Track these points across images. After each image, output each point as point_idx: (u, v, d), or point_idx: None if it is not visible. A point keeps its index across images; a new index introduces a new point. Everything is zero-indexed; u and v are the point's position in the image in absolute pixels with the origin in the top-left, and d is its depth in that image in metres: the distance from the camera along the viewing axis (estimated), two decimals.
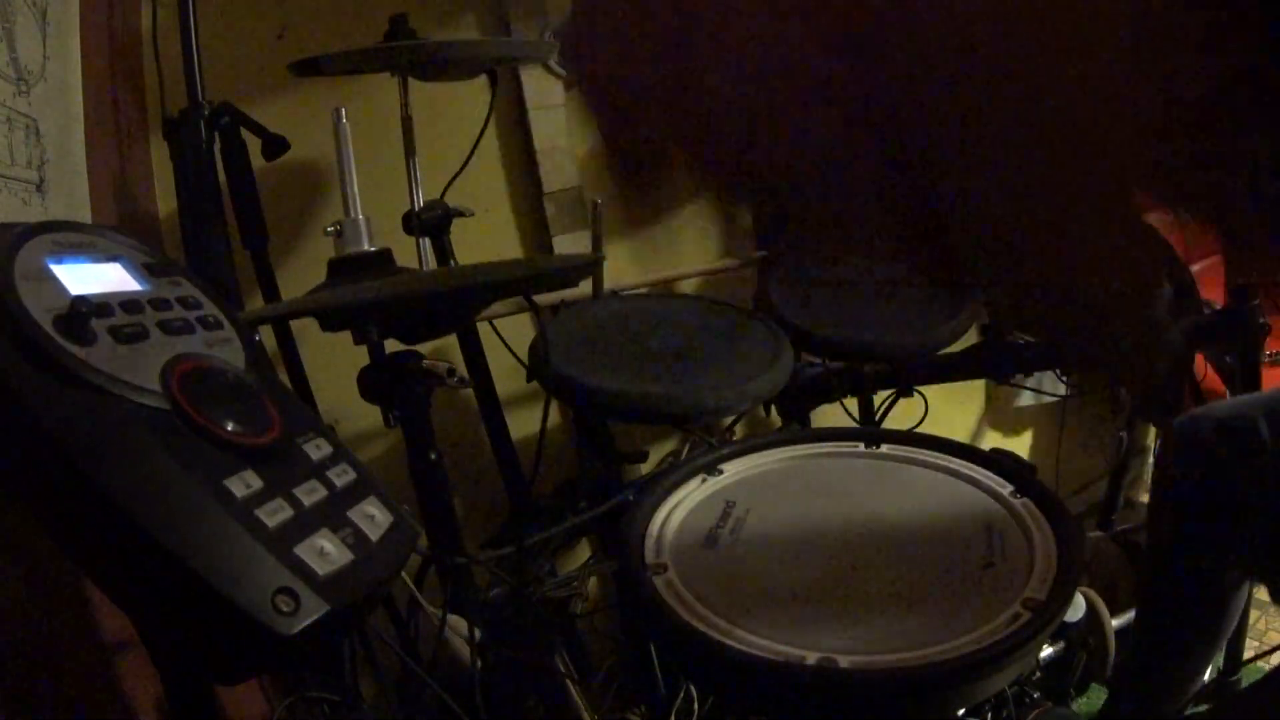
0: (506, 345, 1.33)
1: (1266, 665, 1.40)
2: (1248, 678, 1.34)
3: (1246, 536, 0.94)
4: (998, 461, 0.73)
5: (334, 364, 1.12)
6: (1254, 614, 1.38)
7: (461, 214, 1.23)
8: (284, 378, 1.20)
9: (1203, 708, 1.15)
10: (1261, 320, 1.27)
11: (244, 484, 0.42)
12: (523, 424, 1.42)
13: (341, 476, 0.48)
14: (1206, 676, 1.15)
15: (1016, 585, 0.58)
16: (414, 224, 1.18)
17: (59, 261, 0.46)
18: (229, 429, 0.44)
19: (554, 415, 1.32)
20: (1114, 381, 1.53)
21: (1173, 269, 1.36)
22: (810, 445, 0.82)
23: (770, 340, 1.08)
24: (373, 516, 0.47)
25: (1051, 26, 0.15)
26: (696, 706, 1.16)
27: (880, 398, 1.40)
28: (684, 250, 1.68)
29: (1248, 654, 1.34)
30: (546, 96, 1.51)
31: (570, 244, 1.53)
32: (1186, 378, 1.36)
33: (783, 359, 1.04)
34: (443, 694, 0.83)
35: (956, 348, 1.26)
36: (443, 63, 1.16)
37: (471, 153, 1.26)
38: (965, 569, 0.60)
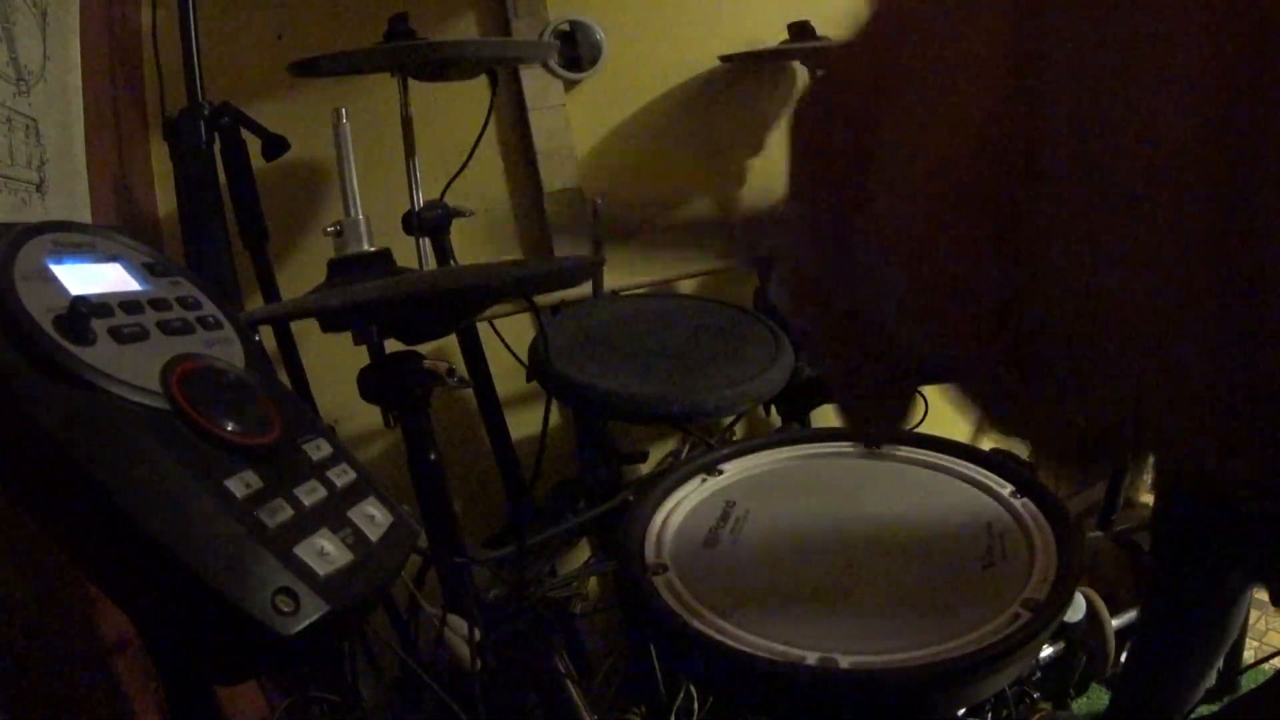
0: (506, 345, 1.33)
1: (1268, 667, 1.40)
2: (1249, 681, 1.34)
3: (1250, 541, 0.94)
4: (998, 461, 0.73)
5: (334, 364, 1.12)
6: (1254, 614, 1.38)
7: (461, 214, 1.23)
8: (284, 378, 1.20)
9: (1204, 710, 1.15)
10: None
11: (244, 484, 0.42)
12: (523, 424, 1.42)
13: (341, 476, 0.48)
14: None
15: (1016, 585, 0.57)
16: (414, 224, 1.18)
17: (59, 261, 0.46)
18: (229, 429, 0.44)
19: (554, 415, 1.32)
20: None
21: None
22: (810, 445, 0.82)
23: (770, 340, 1.08)
24: (373, 516, 0.47)
25: None
26: (696, 706, 1.16)
27: None
28: (684, 250, 1.68)
29: (1249, 656, 1.34)
30: (546, 96, 1.51)
31: (570, 244, 1.53)
32: None
33: (783, 359, 1.03)
34: (443, 694, 0.83)
35: None
36: (443, 63, 1.16)
37: (471, 153, 1.27)
38: (965, 569, 0.60)
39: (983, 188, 0.15)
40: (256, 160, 1.13)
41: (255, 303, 1.21)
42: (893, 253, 0.16)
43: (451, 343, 1.30)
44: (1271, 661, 1.45)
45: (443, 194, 1.25)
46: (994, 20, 0.14)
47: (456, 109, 1.39)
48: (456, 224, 1.24)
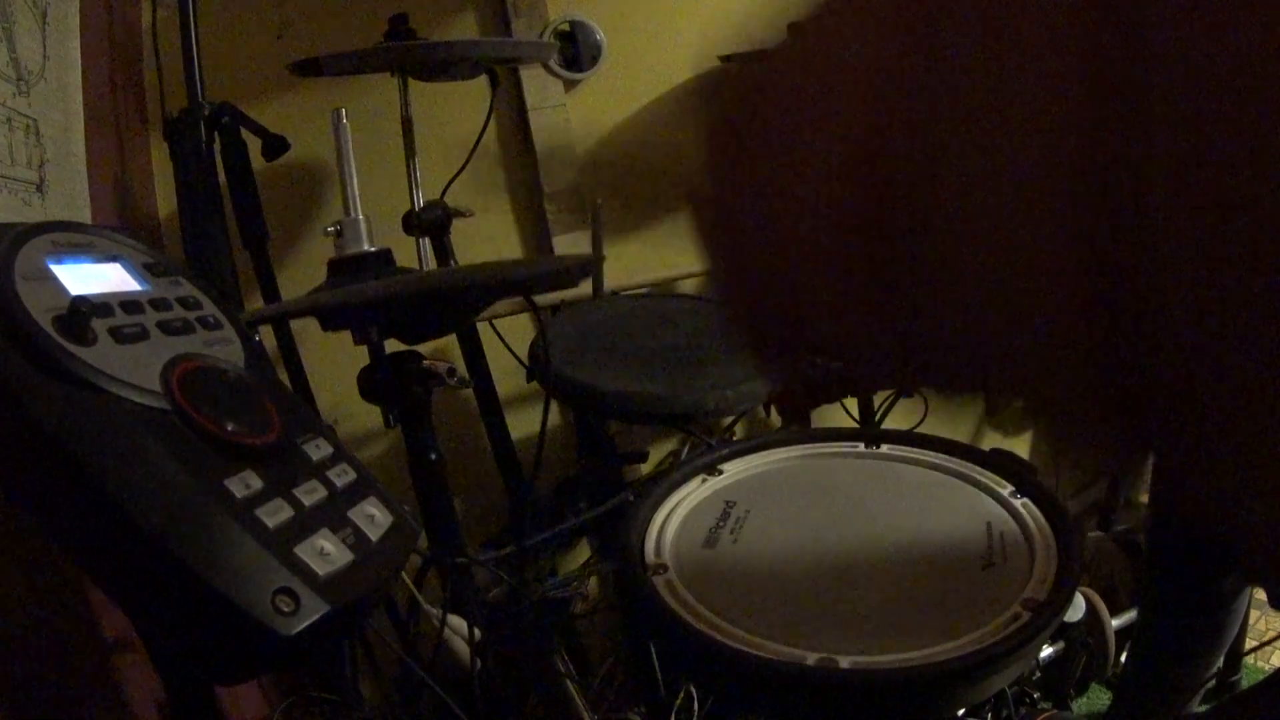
0: (506, 345, 1.33)
1: (1266, 661, 1.40)
2: (1248, 675, 1.34)
3: (1243, 547, 0.94)
4: (998, 461, 0.73)
5: (334, 364, 1.12)
6: (1254, 614, 1.38)
7: (461, 214, 1.23)
8: (284, 378, 1.20)
9: (1204, 708, 1.15)
10: None
11: (244, 484, 0.42)
12: (523, 424, 1.42)
13: (341, 476, 0.48)
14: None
15: (1016, 585, 0.57)
16: (414, 224, 1.18)
17: (59, 261, 0.46)
18: (229, 429, 0.44)
19: (554, 415, 1.32)
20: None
21: None
22: (810, 445, 0.81)
23: None
24: (373, 516, 0.47)
25: None
26: (696, 706, 1.16)
27: (880, 398, 1.40)
28: (684, 250, 1.68)
29: (1248, 657, 1.34)
30: (546, 96, 1.51)
31: (570, 244, 1.53)
32: None
33: None
34: (443, 694, 0.83)
35: None
36: (443, 63, 1.16)
37: (472, 153, 1.27)
38: (965, 569, 0.60)
39: (867, 195, 0.16)
40: (256, 160, 1.13)
41: (255, 303, 1.21)
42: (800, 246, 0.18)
43: (451, 343, 1.30)
44: (1271, 661, 1.45)
45: (443, 194, 1.25)
46: (878, 50, 0.16)
47: (456, 109, 1.39)
48: (456, 224, 1.24)
